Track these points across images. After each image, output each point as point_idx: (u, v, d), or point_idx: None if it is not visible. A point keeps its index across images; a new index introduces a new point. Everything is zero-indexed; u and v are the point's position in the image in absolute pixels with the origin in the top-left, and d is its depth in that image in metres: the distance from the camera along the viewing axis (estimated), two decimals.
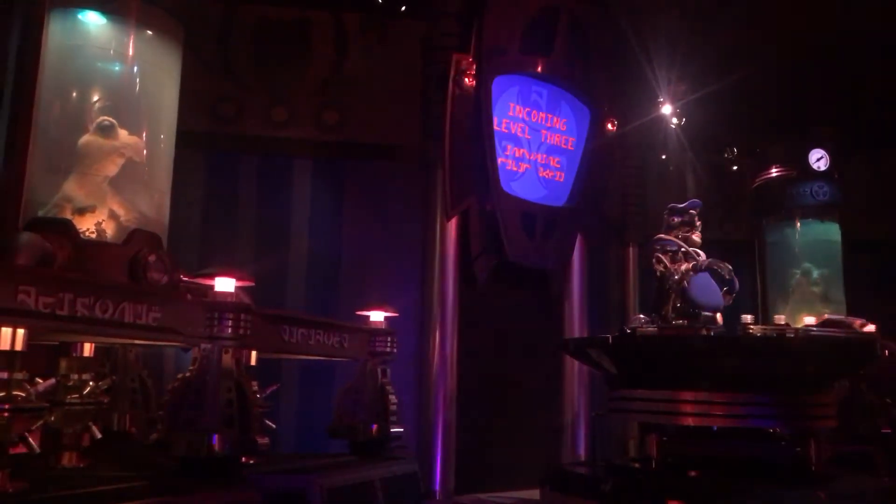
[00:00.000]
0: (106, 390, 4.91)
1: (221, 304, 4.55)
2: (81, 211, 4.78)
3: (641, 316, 6.81)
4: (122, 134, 5.01)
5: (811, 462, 5.85)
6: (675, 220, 6.98)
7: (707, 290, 6.57)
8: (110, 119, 4.96)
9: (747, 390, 5.72)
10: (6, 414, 3.43)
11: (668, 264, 6.75)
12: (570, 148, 10.31)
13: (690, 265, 6.62)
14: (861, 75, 10.79)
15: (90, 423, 4.69)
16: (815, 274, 10.86)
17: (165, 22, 5.41)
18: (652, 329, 6.26)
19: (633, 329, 6.30)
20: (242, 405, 4.50)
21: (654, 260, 6.90)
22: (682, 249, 6.82)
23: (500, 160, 9.43)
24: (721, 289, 6.67)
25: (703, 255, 6.88)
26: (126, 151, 4.99)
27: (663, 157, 11.67)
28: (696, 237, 6.93)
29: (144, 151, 5.20)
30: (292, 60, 9.11)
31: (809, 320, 8.80)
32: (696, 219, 6.92)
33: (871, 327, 8.40)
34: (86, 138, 4.92)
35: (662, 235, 7.01)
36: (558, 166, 10.20)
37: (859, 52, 10.41)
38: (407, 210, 9.23)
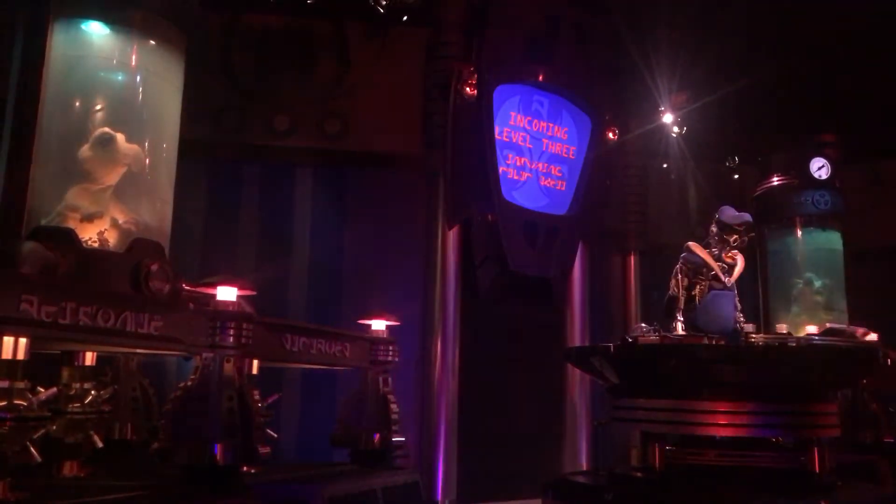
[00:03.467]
0: (107, 399, 4.91)
1: (223, 313, 4.56)
2: (90, 217, 4.78)
3: (643, 325, 6.75)
4: (122, 143, 4.99)
5: (814, 471, 5.83)
6: (714, 230, 6.63)
7: (715, 315, 6.48)
8: (110, 132, 4.96)
9: (750, 399, 5.71)
10: (8, 423, 3.43)
11: (679, 283, 6.60)
12: (571, 157, 10.32)
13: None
14: (862, 85, 10.81)
15: (92, 432, 4.69)
16: (818, 284, 10.85)
17: (168, 32, 5.43)
18: (654, 338, 6.24)
19: (635, 338, 6.28)
20: (244, 414, 4.50)
21: (673, 272, 6.71)
22: (712, 271, 6.53)
23: (501, 169, 9.44)
24: (738, 314, 6.56)
25: (734, 276, 6.62)
26: (126, 161, 4.99)
27: (664, 165, 11.68)
28: (730, 258, 6.58)
29: (147, 161, 5.21)
30: (295, 70, 9.13)
31: (811, 329, 8.78)
32: (737, 237, 6.48)
33: (872, 336, 8.39)
34: (86, 150, 4.92)
35: (692, 245, 6.73)
36: (560, 175, 10.21)
37: (861, 61, 10.43)
38: (409, 219, 9.23)
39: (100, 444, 4.74)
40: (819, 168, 11.09)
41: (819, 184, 11.07)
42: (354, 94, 9.29)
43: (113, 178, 4.96)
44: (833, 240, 11.19)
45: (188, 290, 4.83)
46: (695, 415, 5.77)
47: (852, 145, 11.48)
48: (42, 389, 3.84)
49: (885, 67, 10.29)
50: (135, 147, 5.05)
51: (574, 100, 10.30)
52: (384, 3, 8.95)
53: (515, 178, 9.70)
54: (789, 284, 11.09)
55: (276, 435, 5.38)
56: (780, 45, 10.22)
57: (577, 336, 10.05)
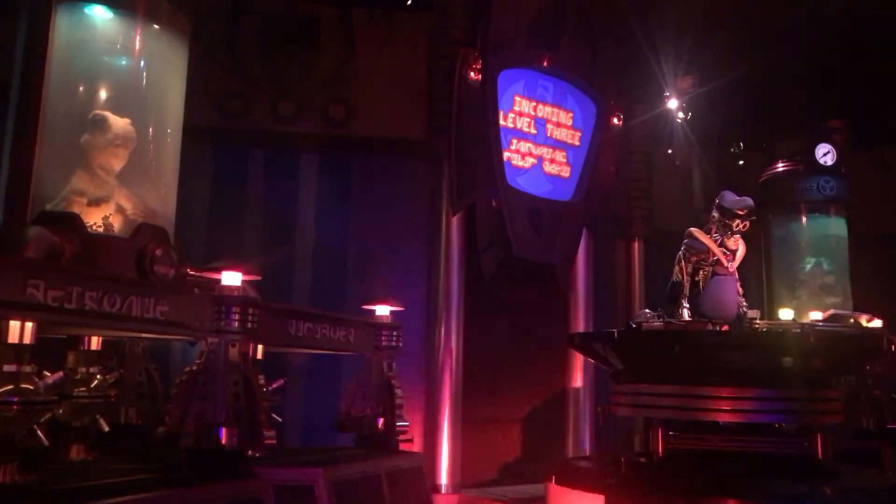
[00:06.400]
0: (113, 384, 4.93)
1: (228, 298, 4.57)
2: (95, 202, 4.78)
3: (647, 311, 6.76)
4: (113, 123, 4.93)
5: (817, 457, 5.85)
6: (715, 215, 6.62)
7: (719, 301, 6.47)
8: (101, 112, 4.93)
9: (753, 385, 5.72)
10: (15, 407, 3.45)
11: (684, 270, 6.57)
12: (575, 142, 10.29)
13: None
14: (869, 70, 10.74)
15: (98, 416, 4.71)
16: (825, 266, 10.84)
17: (172, 16, 5.40)
18: (658, 324, 6.25)
19: (639, 324, 6.28)
20: (249, 399, 4.52)
21: (676, 258, 6.67)
22: (713, 256, 6.48)
23: (505, 155, 9.43)
24: (740, 299, 6.54)
25: (736, 261, 6.59)
26: (117, 141, 4.95)
27: (669, 151, 11.64)
28: (732, 244, 6.56)
29: (151, 146, 5.20)
30: (299, 55, 9.10)
31: (815, 315, 8.76)
32: (739, 222, 6.47)
33: (877, 322, 8.37)
34: (85, 135, 4.91)
35: (694, 230, 6.68)
36: (564, 161, 10.18)
37: (867, 47, 10.36)
38: (413, 204, 9.23)
39: (106, 428, 4.76)
40: (825, 154, 11.05)
41: (824, 170, 11.03)
42: (359, 80, 9.27)
43: (115, 162, 4.94)
44: (838, 226, 11.16)
45: (193, 275, 4.85)
46: (698, 400, 5.79)
47: (859, 131, 11.42)
48: (48, 374, 3.85)
49: (892, 52, 10.21)
50: (126, 126, 4.97)
51: (579, 84, 10.26)
52: None
53: (520, 163, 9.68)
54: (794, 270, 11.07)
55: (280, 419, 5.41)
56: (786, 29, 10.14)
57: (580, 322, 10.05)
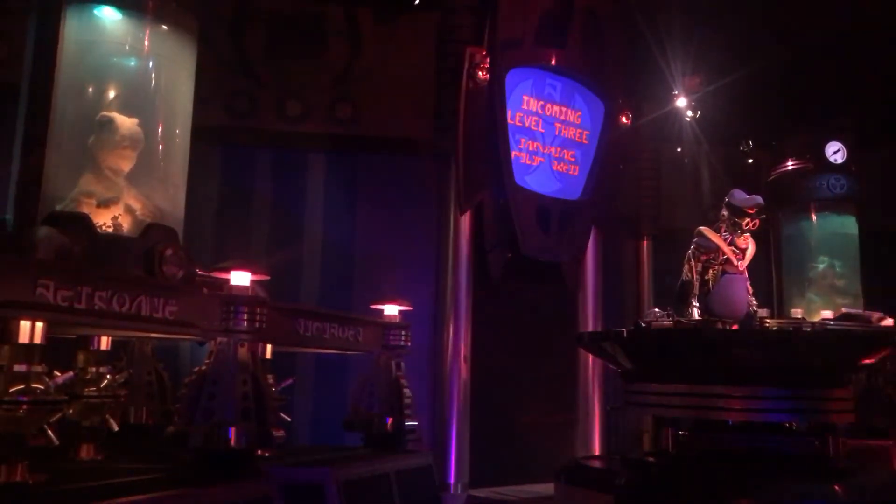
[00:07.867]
0: (123, 384, 4.95)
1: (237, 298, 4.57)
2: (105, 203, 4.79)
3: (657, 309, 6.72)
4: (120, 124, 4.94)
5: (828, 456, 5.81)
6: (725, 213, 6.55)
7: (729, 300, 6.43)
8: (108, 114, 4.94)
9: (764, 384, 5.69)
10: (25, 406, 3.46)
11: (693, 269, 6.54)
12: (584, 141, 10.27)
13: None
14: (878, 67, 10.67)
15: (107, 416, 4.73)
16: (838, 267, 10.79)
17: (180, 16, 5.41)
18: (667, 323, 6.22)
19: (649, 323, 6.25)
20: (258, 398, 4.52)
21: (685, 257, 6.65)
22: (723, 255, 6.45)
23: (513, 153, 9.41)
24: (750, 297, 6.50)
25: (746, 260, 6.57)
26: (124, 143, 4.95)
27: (678, 149, 11.60)
28: (742, 242, 6.50)
29: (160, 146, 5.21)
30: (306, 55, 9.12)
31: (826, 314, 8.72)
32: (749, 220, 6.39)
33: (888, 321, 8.32)
34: (93, 137, 4.92)
35: (704, 229, 6.65)
36: (572, 159, 10.16)
37: (877, 43, 10.29)
38: (421, 204, 9.23)
39: (116, 428, 4.78)
40: (835, 152, 10.99)
41: (834, 167, 10.98)
42: (366, 79, 9.27)
43: (122, 163, 4.95)
44: (848, 224, 11.10)
45: (202, 275, 4.85)
46: (708, 399, 5.76)
47: (869, 128, 11.35)
48: (58, 374, 3.86)
49: None
50: (133, 127, 4.98)
51: (587, 83, 10.24)
52: None
53: (528, 162, 9.67)
54: (804, 269, 11.02)
55: (289, 419, 5.41)
56: (795, 26, 10.09)
57: (589, 321, 10.04)
